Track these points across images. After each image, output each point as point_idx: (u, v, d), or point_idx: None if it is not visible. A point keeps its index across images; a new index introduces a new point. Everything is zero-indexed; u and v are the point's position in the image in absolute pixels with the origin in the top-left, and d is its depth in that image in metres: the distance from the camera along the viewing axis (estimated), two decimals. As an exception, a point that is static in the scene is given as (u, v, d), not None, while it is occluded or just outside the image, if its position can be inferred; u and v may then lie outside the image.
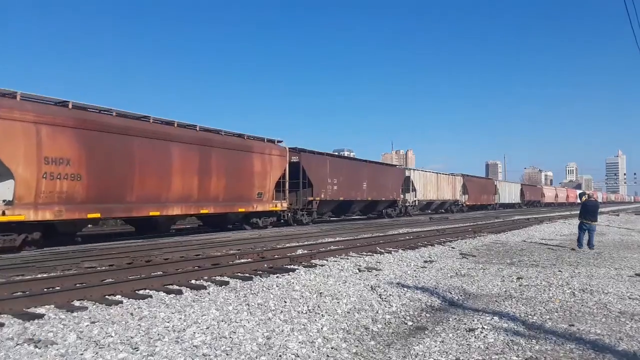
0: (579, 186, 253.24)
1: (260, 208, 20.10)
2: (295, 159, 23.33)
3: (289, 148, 22.98)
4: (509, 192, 60.53)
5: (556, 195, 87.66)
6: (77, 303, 6.40)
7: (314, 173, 24.19)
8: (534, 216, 33.40)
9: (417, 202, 36.83)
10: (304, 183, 23.47)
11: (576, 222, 15.64)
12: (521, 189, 66.60)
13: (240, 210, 19.21)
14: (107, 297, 6.76)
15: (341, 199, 26.55)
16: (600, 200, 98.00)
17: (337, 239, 15.40)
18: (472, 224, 24.14)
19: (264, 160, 20.28)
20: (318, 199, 24.36)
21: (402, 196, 34.32)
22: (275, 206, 21.24)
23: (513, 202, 61.99)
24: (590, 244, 13.56)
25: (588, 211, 13.91)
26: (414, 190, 36.32)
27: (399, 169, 36.27)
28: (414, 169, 39.22)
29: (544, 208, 67.51)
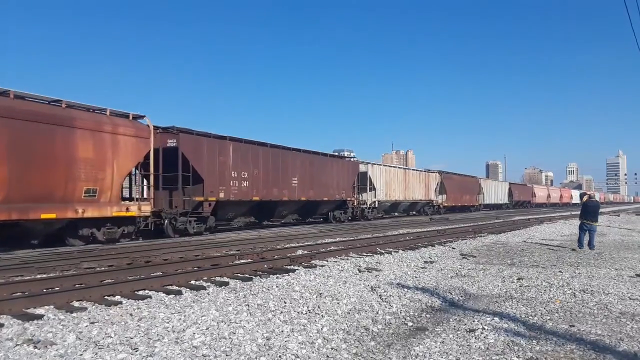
0: (579, 186, 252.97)
1: (92, 213, 13.59)
2: (172, 142, 16.99)
3: (163, 128, 17.08)
4: (495, 192, 55.32)
5: (548, 195, 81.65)
6: (76, 304, 6.39)
7: (206, 163, 17.72)
8: (535, 216, 33.37)
9: (377, 203, 30.52)
10: (187, 177, 16.94)
11: (576, 222, 15.61)
12: (509, 189, 61.15)
13: (43, 216, 12.45)
14: (106, 297, 6.75)
15: (256, 199, 20.00)
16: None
17: (337, 239, 15.39)
18: (472, 224, 24.12)
19: (100, 142, 13.85)
20: (213, 199, 17.94)
21: (356, 196, 28.06)
22: (127, 210, 14.66)
23: (500, 202, 56.68)
24: (590, 245, 13.53)
25: (589, 211, 13.88)
26: (374, 189, 29.99)
27: (349, 162, 28.50)
28: (373, 163, 31.72)
29: (535, 209, 62.10)
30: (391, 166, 35.41)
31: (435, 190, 39.62)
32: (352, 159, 30.36)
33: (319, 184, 24.16)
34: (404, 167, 38.50)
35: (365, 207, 29.31)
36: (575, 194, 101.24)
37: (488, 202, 52.41)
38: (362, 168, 29.45)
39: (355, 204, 27.97)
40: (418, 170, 38.42)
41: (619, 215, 37.05)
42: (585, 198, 14.50)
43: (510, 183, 64.64)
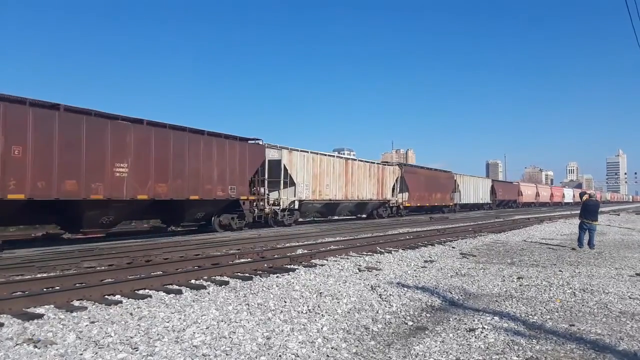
0: (579, 185, 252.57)
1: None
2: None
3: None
4: (474, 190, 48.25)
5: (537, 194, 73.23)
6: (76, 303, 6.39)
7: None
8: (535, 216, 33.36)
9: (298, 203, 22.21)
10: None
11: (576, 221, 15.61)
12: (492, 187, 54.14)
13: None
14: (106, 297, 6.75)
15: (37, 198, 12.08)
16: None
17: (337, 238, 15.39)
18: (472, 223, 24.12)
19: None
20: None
21: (262, 194, 20.43)
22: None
23: (480, 202, 49.65)
24: (590, 244, 13.54)
25: (589, 211, 13.89)
26: (293, 184, 21.87)
27: (246, 146, 19.28)
28: (291, 149, 22.32)
29: (522, 209, 57.00)
30: (321, 154, 24.99)
31: (393, 188, 31.77)
32: (254, 142, 20.08)
33: (182, 175, 16.12)
34: (345, 156, 28.62)
35: (279, 209, 21.21)
36: (569, 192, 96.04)
37: (466, 202, 45.41)
38: (271, 155, 20.94)
39: (255, 205, 19.92)
40: (367, 162, 29.22)
41: (619, 215, 37.04)
42: (585, 197, 14.50)
43: (493, 180, 56.84)
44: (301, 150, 23.31)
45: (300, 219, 24.44)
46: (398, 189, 32.45)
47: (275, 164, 21.36)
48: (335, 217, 29.07)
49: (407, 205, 33.37)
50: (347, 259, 10.72)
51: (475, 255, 11.77)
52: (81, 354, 4.40)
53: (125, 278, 7.92)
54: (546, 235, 18.28)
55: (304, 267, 9.47)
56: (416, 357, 4.54)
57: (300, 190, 22.44)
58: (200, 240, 14.94)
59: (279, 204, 21.33)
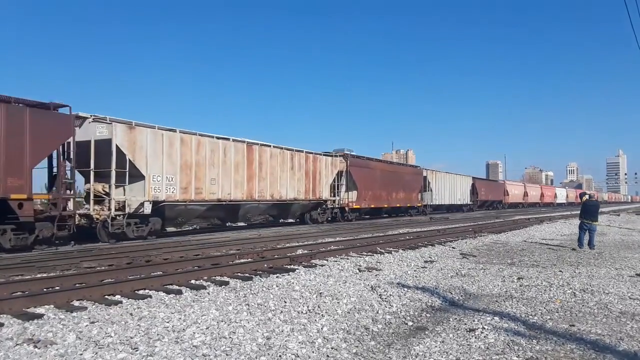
0: (579, 186, 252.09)
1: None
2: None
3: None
4: (451, 189, 42.01)
5: (525, 194, 66.95)
6: (76, 303, 6.39)
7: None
8: (535, 216, 33.36)
9: (150, 205, 15.34)
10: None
11: (576, 222, 15.62)
12: (472, 185, 48.09)
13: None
14: (106, 297, 6.75)
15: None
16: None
17: (337, 239, 15.38)
18: (472, 224, 24.12)
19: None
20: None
21: (60, 193, 12.92)
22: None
23: (458, 202, 43.80)
24: (590, 244, 13.54)
25: (589, 211, 13.89)
26: (142, 177, 15.22)
27: (37, 115, 12.19)
28: (134, 124, 15.30)
29: (509, 210, 52.13)
30: (200, 134, 17.62)
31: (334, 186, 25.61)
32: (61, 112, 13.21)
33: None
34: (250, 140, 20.08)
35: (121, 215, 14.64)
36: (561, 192, 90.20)
37: (440, 203, 39.45)
38: (99, 133, 14.41)
39: (48, 208, 13.09)
40: (288, 150, 22.01)
41: (619, 215, 37.03)
42: (585, 198, 14.52)
43: (474, 178, 49.95)
44: (158, 128, 15.96)
45: (172, 229, 18.25)
46: (343, 187, 26.14)
47: (103, 146, 14.35)
48: (241, 224, 22.13)
49: (355, 207, 26.86)
50: (347, 259, 10.71)
51: (475, 256, 11.77)
52: (81, 354, 4.39)
53: (125, 278, 7.91)
54: (546, 235, 18.28)
55: (304, 267, 9.47)
56: (416, 357, 4.53)
57: (155, 187, 15.50)
58: (200, 240, 14.94)
59: (122, 207, 14.75)
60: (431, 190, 37.53)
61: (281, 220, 24.76)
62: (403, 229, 20.28)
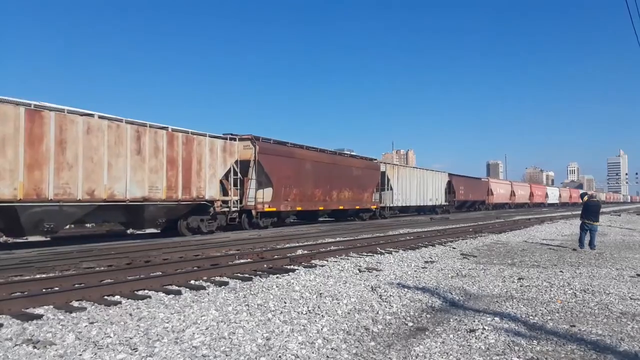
0: (580, 186, 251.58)
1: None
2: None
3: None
4: (420, 187, 35.18)
5: (512, 194, 60.40)
6: (75, 303, 6.38)
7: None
8: (535, 216, 33.35)
9: None
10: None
11: (577, 222, 15.60)
12: (449, 183, 41.35)
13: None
14: (105, 297, 6.74)
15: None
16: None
17: (338, 239, 15.37)
18: (472, 224, 24.11)
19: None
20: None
21: None
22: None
23: (430, 203, 37.16)
24: (591, 244, 13.52)
25: (590, 211, 13.88)
26: None
27: None
28: None
29: (493, 211, 46.59)
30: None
31: (228, 177, 18.62)
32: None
33: None
34: (45, 105, 12.66)
35: None
36: (553, 192, 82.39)
37: (404, 204, 33.04)
38: None
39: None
40: (141, 127, 15.02)
41: (619, 215, 37.02)
42: (586, 198, 14.49)
43: (450, 175, 42.99)
44: None
45: None
46: (253, 183, 19.30)
47: None
48: (32, 240, 14.29)
49: (269, 209, 20.03)
50: (347, 259, 10.70)
51: (475, 256, 11.75)
52: (80, 355, 4.38)
53: (125, 279, 7.91)
54: (547, 235, 18.26)
55: (304, 267, 9.45)
56: (416, 358, 4.52)
57: None
58: (200, 240, 14.92)
59: None
60: (392, 189, 30.84)
61: (132, 231, 17.23)
62: (403, 229, 20.28)
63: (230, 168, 18.74)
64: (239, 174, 19.07)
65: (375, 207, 29.10)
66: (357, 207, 27.22)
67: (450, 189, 41.91)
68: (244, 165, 19.34)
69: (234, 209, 18.84)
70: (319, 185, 23.69)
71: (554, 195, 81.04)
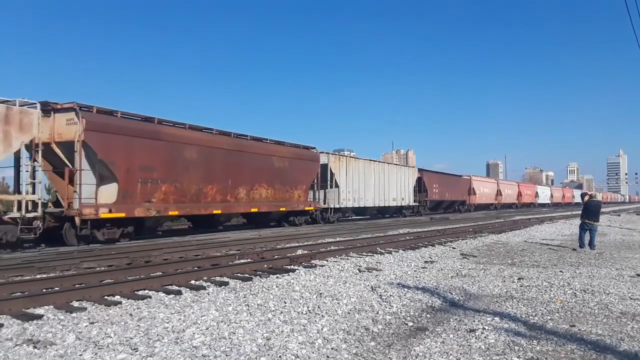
0: (580, 186, 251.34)
1: None
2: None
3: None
4: (379, 185, 29.62)
5: (498, 193, 55.03)
6: (76, 304, 6.38)
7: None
8: (535, 216, 33.37)
9: None
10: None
11: (577, 222, 15.61)
12: (419, 180, 36.03)
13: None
14: (106, 297, 6.75)
15: None
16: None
17: (338, 239, 15.38)
18: (472, 224, 24.13)
19: None
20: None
21: None
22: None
23: (393, 203, 31.57)
24: (591, 244, 13.53)
25: (590, 211, 13.89)
26: None
27: None
28: None
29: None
30: None
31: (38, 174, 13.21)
32: None
33: None
34: None
35: None
36: (544, 191, 76.65)
37: (354, 205, 27.21)
38: None
39: None
40: None
41: (619, 215, 37.04)
42: (586, 198, 14.50)
43: (421, 170, 37.73)
44: None
45: None
46: (83, 176, 13.51)
47: None
48: None
49: (113, 215, 13.90)
50: (347, 259, 10.71)
51: (475, 256, 11.76)
52: (81, 355, 4.39)
53: (125, 279, 7.91)
54: (547, 235, 18.27)
55: (304, 267, 9.46)
56: (416, 357, 4.52)
57: None
58: (200, 240, 14.94)
59: None
60: (338, 187, 25.28)
61: None
62: (403, 229, 20.30)
63: (20, 149, 12.89)
64: (38, 161, 13.05)
65: (312, 208, 23.34)
66: (283, 208, 21.27)
67: (421, 187, 36.31)
68: (66, 149, 13.58)
69: (29, 216, 12.33)
70: (213, 179, 17.54)
71: (544, 195, 75.55)
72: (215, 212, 17.77)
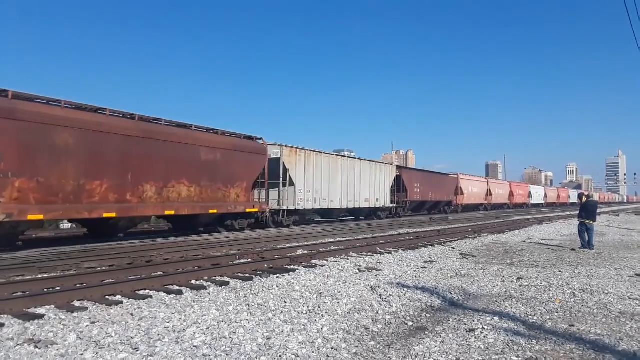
0: (579, 186, 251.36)
1: None
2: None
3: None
4: (349, 183, 26.14)
5: (488, 193, 51.62)
6: (77, 303, 6.40)
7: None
8: (534, 217, 33.39)
9: None
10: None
11: (576, 222, 15.66)
12: (398, 178, 32.51)
13: None
14: (107, 297, 6.76)
15: None
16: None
17: (338, 239, 15.40)
18: (472, 224, 24.16)
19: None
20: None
21: None
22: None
23: (365, 205, 28.07)
24: (590, 244, 13.57)
25: (588, 211, 13.95)
26: None
27: None
28: None
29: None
30: None
31: None
32: None
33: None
34: None
35: None
36: (538, 191, 73.10)
37: (316, 206, 23.70)
38: None
39: None
40: None
41: (618, 215, 37.07)
42: (583, 198, 14.60)
43: (400, 168, 34.98)
44: None
45: None
46: None
47: None
48: None
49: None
50: (347, 259, 10.73)
51: (475, 256, 11.79)
52: (82, 354, 4.41)
53: (126, 278, 7.93)
54: (546, 236, 18.30)
55: (304, 267, 9.48)
56: (416, 357, 4.55)
57: None
58: (200, 240, 14.95)
59: None
60: (294, 185, 21.95)
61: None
62: (403, 229, 20.32)
63: None
64: None
65: (255, 210, 19.46)
66: (213, 210, 17.20)
67: (400, 187, 32.61)
68: None
69: None
70: (103, 173, 13.64)
71: (538, 195, 71.76)
72: (106, 215, 13.71)
